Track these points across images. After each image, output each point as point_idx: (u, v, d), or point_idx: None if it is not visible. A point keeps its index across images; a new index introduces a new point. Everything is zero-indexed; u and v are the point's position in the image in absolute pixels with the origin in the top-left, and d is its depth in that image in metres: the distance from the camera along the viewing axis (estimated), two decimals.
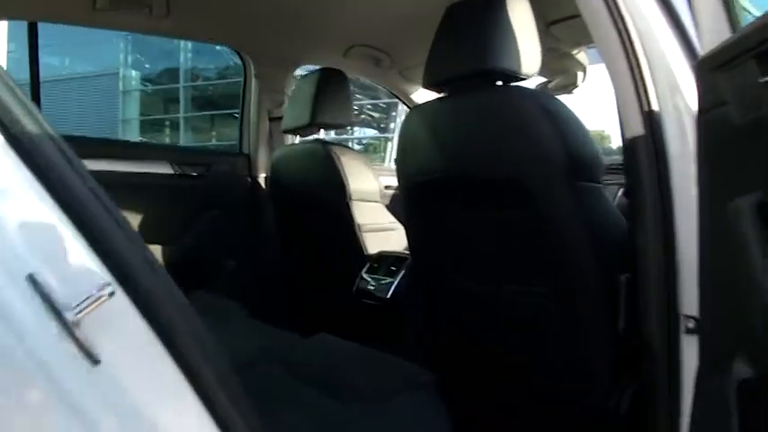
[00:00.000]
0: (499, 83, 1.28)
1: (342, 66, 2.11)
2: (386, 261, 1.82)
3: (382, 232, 1.96)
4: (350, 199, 1.88)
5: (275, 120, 2.38)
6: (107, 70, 14.50)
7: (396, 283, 1.73)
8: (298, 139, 2.32)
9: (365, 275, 1.85)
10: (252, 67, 2.35)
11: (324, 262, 2.14)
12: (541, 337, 1.32)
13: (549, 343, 1.31)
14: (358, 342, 1.49)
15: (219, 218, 2.30)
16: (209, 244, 2.29)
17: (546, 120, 1.17)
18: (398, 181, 1.53)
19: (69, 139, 0.71)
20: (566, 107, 1.23)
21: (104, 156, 2.07)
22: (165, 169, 2.20)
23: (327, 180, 1.91)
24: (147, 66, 15.21)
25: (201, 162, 2.29)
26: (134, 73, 15.00)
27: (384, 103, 9.63)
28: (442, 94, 1.38)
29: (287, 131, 2.14)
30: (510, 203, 1.25)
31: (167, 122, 14.91)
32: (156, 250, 2.16)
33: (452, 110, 1.34)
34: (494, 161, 1.24)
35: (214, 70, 13.22)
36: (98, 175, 0.68)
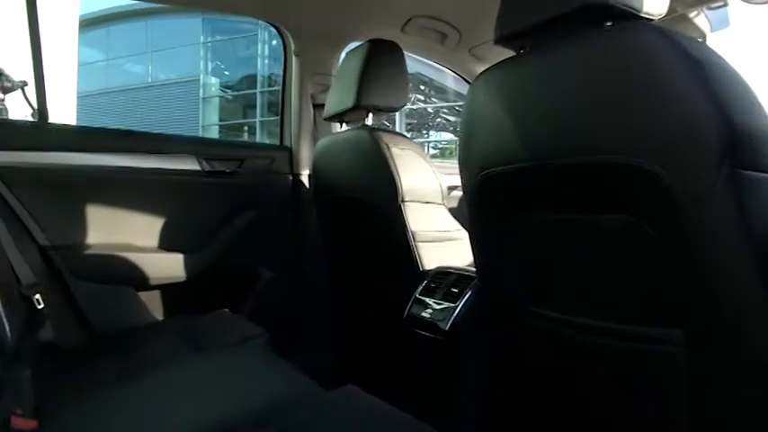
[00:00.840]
0: (609, 23, 0.85)
1: (399, 42, 1.71)
2: (446, 280, 1.41)
3: (443, 243, 1.55)
4: (402, 200, 1.47)
5: (320, 107, 2.01)
6: (188, 78, 14.88)
7: (457, 310, 1.31)
8: (344, 128, 1.94)
9: (419, 297, 1.44)
10: (292, 44, 2.00)
11: (368, 278, 1.74)
12: (663, 403, 0.87)
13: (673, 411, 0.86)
14: (404, 382, 1.08)
15: (254, 222, 1.96)
16: (242, 252, 1.95)
17: (693, 74, 0.74)
18: (461, 176, 1.12)
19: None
20: (722, 58, 0.79)
21: (121, 150, 1.78)
22: (191, 165, 1.88)
23: (373, 175, 1.52)
24: (226, 73, 15.51)
25: (234, 157, 1.95)
26: (213, 80, 15.34)
27: (460, 106, 9.13)
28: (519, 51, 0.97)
29: (330, 119, 1.76)
30: (630, 205, 0.81)
31: (246, 127, 15.14)
32: (180, 260, 1.84)
33: (537, 69, 0.92)
34: (606, 139, 0.81)
35: None
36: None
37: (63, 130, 1.82)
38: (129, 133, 1.86)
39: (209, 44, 14.92)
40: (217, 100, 15.34)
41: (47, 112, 1.79)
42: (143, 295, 1.82)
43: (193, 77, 14.91)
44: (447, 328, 1.30)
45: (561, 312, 1.00)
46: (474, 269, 1.29)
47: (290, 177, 2.03)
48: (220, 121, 15.10)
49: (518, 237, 1.03)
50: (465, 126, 1.08)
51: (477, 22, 1.96)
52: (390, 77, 1.60)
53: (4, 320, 1.42)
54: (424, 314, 1.38)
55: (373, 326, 1.79)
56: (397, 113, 7.23)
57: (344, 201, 1.68)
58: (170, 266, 1.84)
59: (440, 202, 1.56)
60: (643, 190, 0.78)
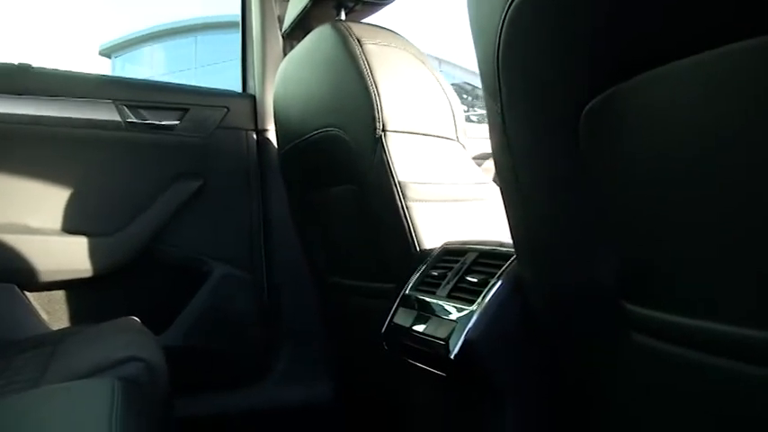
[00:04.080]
0: None
1: None
2: (457, 264, 0.77)
3: (451, 203, 0.92)
4: (382, 129, 0.86)
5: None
6: None
7: (474, 318, 0.67)
8: None
9: (410, 294, 0.81)
10: None
11: (347, 270, 1.13)
12: None
13: None
14: None
15: (200, 195, 1.39)
16: (181, 237, 1.38)
17: None
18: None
19: None
20: None
21: (9, 90, 1.25)
22: (108, 114, 1.33)
23: (338, 92, 0.92)
24: None
25: (172, 104, 1.38)
26: None
27: None
28: None
29: (291, 34, 1.18)
30: None
31: None
32: (86, 247, 1.28)
33: None
34: None
35: None
36: None
37: None
38: (21, 69, 1.32)
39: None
40: None
41: None
42: (31, 297, 1.26)
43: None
44: (455, 353, 0.66)
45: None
46: (509, 247, 0.68)
47: (254, 135, 1.44)
48: None
49: None
50: None
51: None
52: None
53: None
54: (415, 328, 0.75)
55: (360, 341, 1.17)
56: None
57: (307, 149, 1.08)
58: (72, 256, 1.28)
59: (449, 135, 0.94)
60: None
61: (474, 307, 0.68)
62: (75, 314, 1.32)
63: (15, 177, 1.27)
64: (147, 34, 14.54)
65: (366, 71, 0.87)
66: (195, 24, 14.67)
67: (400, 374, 0.96)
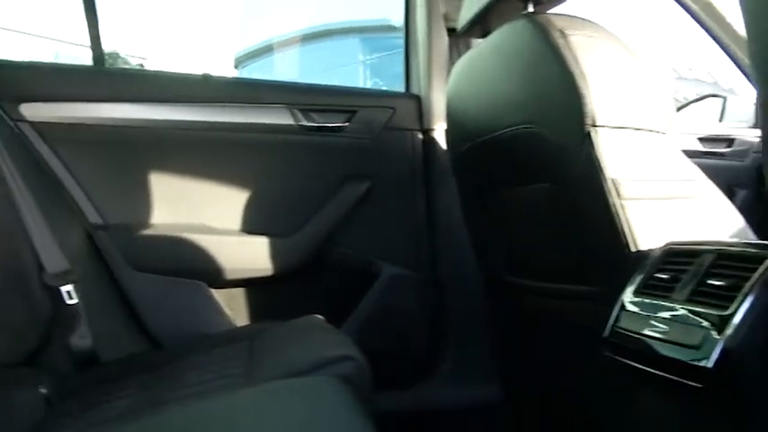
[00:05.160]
0: None
1: None
2: (693, 265, 0.71)
3: (669, 201, 0.85)
4: (592, 124, 0.82)
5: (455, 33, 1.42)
6: None
7: (736, 322, 0.61)
8: None
9: (635, 300, 0.76)
10: None
11: (537, 274, 1.09)
12: None
13: None
14: None
15: (369, 196, 1.41)
16: (353, 238, 1.41)
17: None
18: None
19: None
20: None
21: (192, 99, 1.33)
22: (282, 118, 1.38)
23: (536, 87, 0.89)
24: (384, 90, 15.44)
25: (341, 107, 1.41)
26: None
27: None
28: None
29: (468, 31, 1.16)
30: None
31: None
32: (266, 247, 1.34)
33: None
34: None
35: None
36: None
37: (122, 75, 1.42)
38: (202, 79, 1.41)
39: (368, 62, 15.00)
40: None
41: (103, 55, 1.39)
42: (217, 294, 1.34)
43: None
44: (713, 361, 0.61)
45: None
46: (760, 247, 0.61)
47: (420, 135, 1.44)
48: None
49: None
50: None
51: None
52: None
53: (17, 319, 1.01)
54: (648, 333, 0.70)
55: (550, 351, 1.13)
56: None
57: (490, 147, 1.05)
58: (254, 256, 1.35)
59: (661, 128, 0.87)
60: None
61: (729, 312, 0.62)
62: (254, 311, 1.38)
63: (198, 181, 1.35)
64: (265, 46, 15.18)
65: (572, 64, 0.83)
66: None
67: (602, 379, 0.91)
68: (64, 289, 1.11)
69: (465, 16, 1.14)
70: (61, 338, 1.12)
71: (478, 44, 1.13)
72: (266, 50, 14.66)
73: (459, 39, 1.45)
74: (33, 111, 1.25)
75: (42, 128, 1.26)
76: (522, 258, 1.14)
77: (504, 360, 1.35)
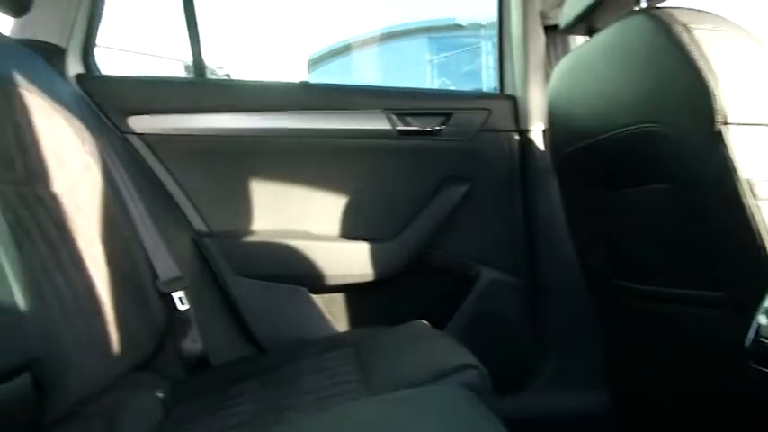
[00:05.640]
0: None
1: None
2: None
3: None
4: (723, 121, 0.78)
5: (555, 30, 1.38)
6: None
7: None
8: None
9: None
10: None
11: (652, 278, 1.04)
12: None
13: None
14: None
15: (467, 200, 1.39)
16: (451, 242, 1.40)
17: None
18: None
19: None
20: None
21: (291, 107, 1.36)
22: (379, 123, 1.39)
23: (657, 84, 0.85)
24: (452, 88, 15.34)
25: (436, 110, 1.41)
26: None
27: None
28: None
29: (572, 28, 1.13)
30: None
31: None
32: (367, 253, 1.35)
33: None
34: None
35: None
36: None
37: (223, 86, 1.47)
38: (299, 87, 1.44)
39: (435, 61, 14.95)
40: None
41: (204, 68, 1.45)
42: (319, 299, 1.36)
43: None
44: None
45: None
46: None
47: (517, 136, 1.42)
48: None
49: None
50: None
51: None
52: None
53: (135, 325, 1.06)
54: None
55: (664, 358, 1.08)
56: None
57: (601, 148, 1.02)
58: (354, 261, 1.36)
59: None
60: None
61: None
62: (355, 316, 1.39)
63: (298, 188, 1.37)
64: (330, 51, 15.34)
65: (699, 59, 0.79)
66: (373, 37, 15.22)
67: (736, 391, 0.87)
68: (176, 295, 1.17)
69: (569, 13, 1.11)
70: (174, 343, 1.17)
71: (584, 42, 1.10)
72: (337, 53, 14.88)
73: (556, 37, 1.41)
74: (140, 123, 1.31)
75: (149, 139, 1.31)
76: (633, 261, 1.10)
77: (610, 366, 1.31)
